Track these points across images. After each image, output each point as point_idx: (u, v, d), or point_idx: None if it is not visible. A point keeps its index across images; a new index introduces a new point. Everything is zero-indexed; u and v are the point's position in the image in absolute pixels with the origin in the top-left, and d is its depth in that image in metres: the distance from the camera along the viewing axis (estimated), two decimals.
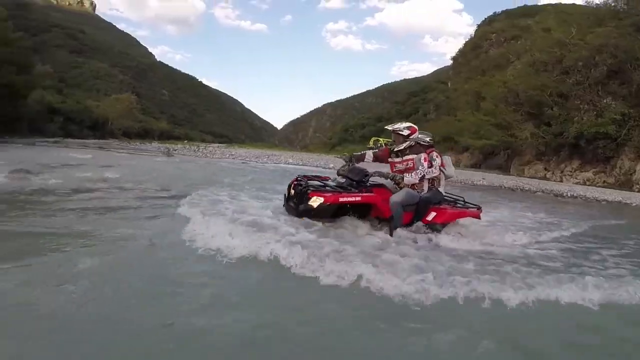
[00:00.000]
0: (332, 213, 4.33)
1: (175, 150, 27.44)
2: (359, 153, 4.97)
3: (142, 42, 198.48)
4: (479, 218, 5.16)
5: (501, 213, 8.21)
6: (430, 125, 62.30)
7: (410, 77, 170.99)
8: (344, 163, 4.81)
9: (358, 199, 4.33)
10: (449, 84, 71.66)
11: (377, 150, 5.13)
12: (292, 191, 4.63)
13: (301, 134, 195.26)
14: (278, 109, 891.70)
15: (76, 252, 3.26)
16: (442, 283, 2.96)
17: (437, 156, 4.88)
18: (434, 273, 3.11)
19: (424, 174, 4.61)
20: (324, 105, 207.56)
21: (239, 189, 7.31)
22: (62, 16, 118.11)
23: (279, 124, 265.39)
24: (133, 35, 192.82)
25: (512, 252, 4.48)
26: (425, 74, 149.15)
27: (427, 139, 5.02)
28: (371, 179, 4.66)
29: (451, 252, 4.11)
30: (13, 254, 3.14)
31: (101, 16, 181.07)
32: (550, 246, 5.14)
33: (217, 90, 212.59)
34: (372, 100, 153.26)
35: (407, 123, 4.81)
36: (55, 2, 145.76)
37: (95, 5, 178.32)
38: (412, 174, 4.55)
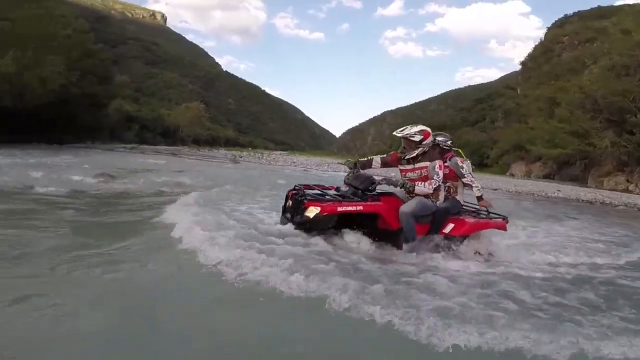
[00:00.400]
0: (331, 224, 4.08)
1: (241, 157, 28.83)
2: (365, 159, 4.58)
3: (209, 53, 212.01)
4: (505, 230, 4.71)
5: (564, 227, 7.93)
6: (499, 133, 60.15)
7: (475, 84, 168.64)
8: (349, 170, 4.42)
9: (360, 208, 4.01)
10: (518, 90, 69.72)
11: (385, 155, 4.62)
12: (290, 202, 4.38)
13: (359, 142, 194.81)
14: (337, 117, 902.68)
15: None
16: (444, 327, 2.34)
17: (462, 162, 4.60)
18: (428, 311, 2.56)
19: (439, 184, 4.20)
20: (383, 113, 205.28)
21: None
22: (136, 29, 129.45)
23: (337, 132, 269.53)
24: (201, 46, 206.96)
25: (546, 282, 3.79)
26: (491, 80, 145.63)
27: (449, 142, 4.72)
28: (379, 187, 4.31)
29: (471, 279, 3.59)
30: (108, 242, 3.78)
31: (172, 28, 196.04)
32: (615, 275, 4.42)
33: (279, 99, 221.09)
34: (434, 107, 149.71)
35: (420, 126, 4.32)
36: (130, 15, 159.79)
37: (166, 17, 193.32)
38: (426, 184, 4.16)
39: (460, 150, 4.94)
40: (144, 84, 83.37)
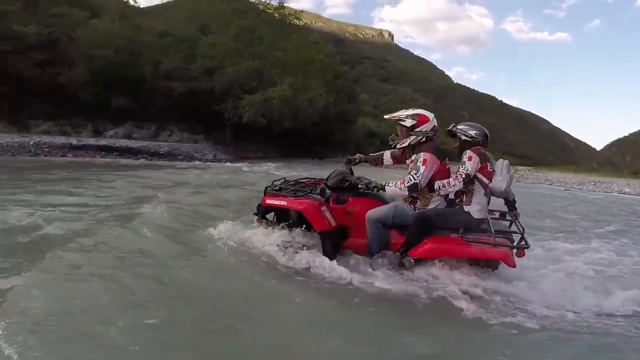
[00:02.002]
0: (265, 214, 4.09)
1: None
2: (376, 154, 4.12)
3: (437, 65, 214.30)
4: (509, 264, 3.13)
5: None
6: None
7: None
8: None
9: (283, 203, 3.76)
10: None
11: (396, 149, 3.85)
12: None
13: (630, 156, 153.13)
14: (595, 127, 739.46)
15: None
16: None
17: (468, 159, 3.37)
18: None
19: (417, 182, 3.31)
20: None
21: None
22: (369, 48, 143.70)
23: (597, 144, 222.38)
24: (428, 59, 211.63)
25: None
26: None
27: (472, 133, 3.52)
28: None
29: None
30: None
31: (399, 44, 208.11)
32: None
33: (518, 108, 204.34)
34: None
35: (416, 110, 3.62)
36: (362, 36, 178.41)
37: (393, 35, 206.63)
38: (398, 181, 3.40)
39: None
40: (380, 101, 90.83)
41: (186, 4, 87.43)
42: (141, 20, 39.64)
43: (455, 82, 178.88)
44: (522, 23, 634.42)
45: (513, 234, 3.54)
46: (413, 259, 3.40)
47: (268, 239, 3.90)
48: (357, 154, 4.16)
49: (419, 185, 3.36)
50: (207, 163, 20.76)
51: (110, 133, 25.57)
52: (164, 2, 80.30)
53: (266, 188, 4.02)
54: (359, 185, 3.65)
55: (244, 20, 31.78)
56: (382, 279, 3.35)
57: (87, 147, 19.72)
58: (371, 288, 3.23)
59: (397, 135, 3.66)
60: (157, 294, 2.91)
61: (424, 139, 3.53)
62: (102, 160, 17.96)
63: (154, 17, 48.12)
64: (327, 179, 3.93)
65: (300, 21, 36.81)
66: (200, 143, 27.38)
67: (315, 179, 4.48)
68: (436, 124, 3.61)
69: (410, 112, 3.60)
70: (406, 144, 3.59)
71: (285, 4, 34.39)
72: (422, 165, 3.36)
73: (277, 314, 2.78)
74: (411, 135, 3.54)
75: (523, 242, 3.29)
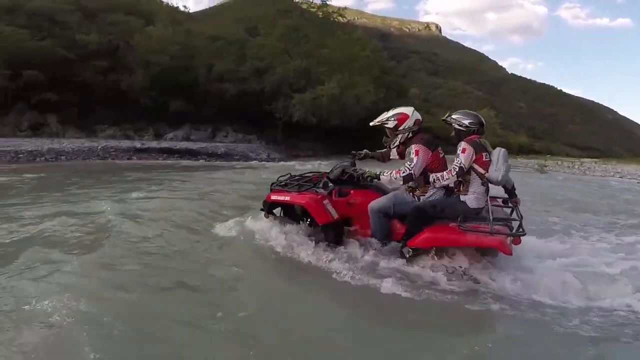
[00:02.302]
0: (273, 209, 4.21)
1: (545, 166, 25.75)
2: (383, 150, 4.21)
3: (490, 57, 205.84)
4: (504, 252, 3.10)
5: None
6: None
7: None
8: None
9: (287, 198, 3.95)
10: None
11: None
12: None
13: None
14: None
15: None
16: None
17: (462, 151, 3.43)
18: None
19: (412, 172, 3.49)
20: None
21: None
22: (415, 42, 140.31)
23: None
24: (480, 50, 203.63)
25: None
26: None
27: (466, 122, 3.57)
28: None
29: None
30: None
31: (447, 37, 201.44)
32: None
33: (581, 98, 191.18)
34: None
35: (396, 109, 3.85)
36: (407, 30, 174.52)
37: (440, 27, 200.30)
38: (393, 171, 3.57)
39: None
40: (431, 95, 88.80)
41: (233, 7, 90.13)
42: (191, 25, 41.34)
43: (509, 72, 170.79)
44: (578, 9, 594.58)
45: (513, 222, 3.53)
46: (412, 249, 3.50)
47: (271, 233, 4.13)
48: (364, 150, 4.32)
49: (413, 175, 3.54)
50: (262, 162, 21.17)
51: (170, 136, 26.85)
52: (210, 6, 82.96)
53: (272, 184, 4.24)
54: (355, 176, 3.84)
55: (289, 20, 32.12)
56: (381, 270, 3.50)
57: (150, 149, 20.72)
58: (371, 280, 3.32)
59: (388, 137, 3.90)
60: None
61: (410, 134, 3.76)
62: (165, 162, 18.74)
63: (203, 22, 50.04)
64: (329, 172, 4.13)
65: (344, 18, 36.61)
66: (253, 143, 28.04)
67: (319, 173, 4.68)
68: (419, 117, 3.81)
69: (391, 113, 3.82)
70: (396, 142, 3.82)
71: (327, 2, 34.33)
72: (415, 156, 3.54)
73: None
74: (397, 134, 3.78)
75: (521, 230, 3.25)
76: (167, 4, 53.29)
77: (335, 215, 3.84)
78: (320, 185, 4.09)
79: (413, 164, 3.51)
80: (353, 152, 4.29)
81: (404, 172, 3.51)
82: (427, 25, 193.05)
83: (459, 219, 3.37)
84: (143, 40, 28.88)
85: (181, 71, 28.76)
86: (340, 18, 35.86)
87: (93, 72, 26.94)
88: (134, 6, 37.00)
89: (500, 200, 4.08)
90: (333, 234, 3.84)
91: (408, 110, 3.82)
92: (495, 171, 3.44)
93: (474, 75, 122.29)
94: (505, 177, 3.51)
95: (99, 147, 19.70)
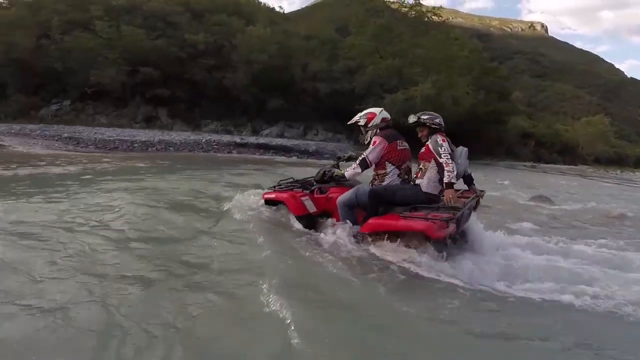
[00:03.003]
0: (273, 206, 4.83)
1: None
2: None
3: (605, 58, 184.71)
4: (432, 235, 3.40)
5: None
6: None
7: None
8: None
9: (272, 196, 4.68)
10: None
11: None
12: None
13: None
14: None
15: None
16: None
17: (443, 139, 3.96)
18: None
19: (365, 157, 4.05)
20: None
21: None
22: (518, 42, 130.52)
23: None
24: (593, 52, 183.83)
25: None
26: None
27: (437, 120, 4.15)
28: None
29: None
30: None
31: (555, 37, 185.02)
32: None
33: None
34: None
35: (367, 110, 4.46)
36: (509, 30, 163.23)
37: (547, 27, 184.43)
38: (354, 165, 4.15)
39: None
40: (536, 98, 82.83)
41: (323, 7, 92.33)
42: (287, 25, 43.30)
43: (628, 76, 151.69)
44: None
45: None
46: (363, 234, 3.93)
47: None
48: (349, 152, 4.94)
49: (368, 161, 4.05)
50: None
51: (266, 132, 28.45)
52: (303, 7, 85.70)
53: (273, 186, 5.00)
54: (326, 177, 4.53)
55: (380, 19, 32.05)
56: (338, 250, 3.86)
57: (249, 145, 22.14)
58: (328, 256, 3.69)
59: (363, 135, 4.40)
60: None
61: (378, 131, 4.25)
62: (261, 157, 19.83)
63: (297, 22, 52.13)
64: (315, 175, 4.80)
65: (440, 17, 35.46)
66: (342, 142, 28.53)
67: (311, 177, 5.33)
68: (385, 116, 4.35)
69: (363, 113, 4.40)
70: (368, 138, 4.28)
71: (421, 1, 33.53)
72: (372, 145, 4.07)
73: None
74: (367, 130, 4.32)
75: (452, 220, 3.53)
76: (265, 4, 56.51)
77: (313, 209, 4.52)
78: (304, 185, 4.83)
79: (368, 151, 4.06)
80: (338, 155, 5.35)
81: (359, 160, 4.09)
82: (532, 25, 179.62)
83: (408, 204, 3.88)
84: (245, 40, 30.92)
85: (279, 70, 30.26)
86: (435, 17, 34.89)
87: (200, 70, 29.53)
88: (236, 7, 39.82)
89: (461, 191, 4.58)
90: (306, 222, 4.50)
91: (376, 110, 4.42)
92: (447, 158, 3.87)
93: (585, 79, 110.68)
94: (463, 170, 4.21)
95: (203, 140, 21.51)
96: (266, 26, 34.61)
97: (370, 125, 4.30)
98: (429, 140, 4.06)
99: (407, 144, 4.25)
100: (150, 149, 18.80)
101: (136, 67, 27.81)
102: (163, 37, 29.93)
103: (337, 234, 4.07)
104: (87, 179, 8.00)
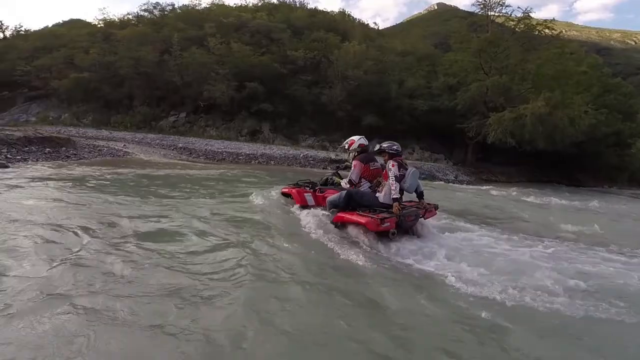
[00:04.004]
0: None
1: None
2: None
3: None
4: (370, 227, 5.03)
5: None
6: None
7: None
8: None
9: (286, 190, 6.92)
10: None
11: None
12: None
13: None
14: None
15: None
16: None
17: (392, 165, 5.42)
18: None
19: (351, 178, 5.70)
20: None
21: None
22: None
23: None
24: None
25: None
26: None
27: (394, 147, 5.64)
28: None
29: None
30: None
31: None
32: None
33: None
34: None
35: (351, 138, 6.11)
36: (634, 43, 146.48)
37: None
38: (345, 179, 5.97)
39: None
40: None
41: (420, 23, 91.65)
42: (381, 40, 43.75)
43: None
44: None
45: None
46: (336, 223, 5.52)
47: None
48: (345, 162, 6.34)
49: (352, 180, 5.68)
50: (449, 183, 20.63)
51: None
52: (397, 23, 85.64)
53: (294, 183, 7.11)
54: (327, 182, 6.69)
55: (484, 34, 30.76)
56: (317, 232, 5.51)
57: (342, 161, 22.66)
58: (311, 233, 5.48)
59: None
60: None
61: (356, 154, 5.92)
62: None
63: (392, 38, 52.37)
64: (320, 179, 6.92)
65: (553, 30, 32.98)
66: (440, 162, 27.76)
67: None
68: (362, 142, 6.02)
69: (347, 140, 6.13)
70: (350, 160, 6.00)
71: (530, 14, 31.50)
72: (354, 168, 5.72)
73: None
74: (349, 153, 6.05)
75: (386, 221, 4.98)
76: (360, 20, 57.75)
77: (311, 203, 6.50)
78: (312, 185, 6.71)
79: (351, 172, 5.71)
80: (337, 164, 6.89)
81: (347, 179, 5.77)
82: None
83: (373, 208, 5.36)
84: (341, 56, 31.85)
85: (374, 86, 30.58)
86: (547, 30, 32.58)
87: (300, 86, 30.99)
88: (332, 24, 41.32)
89: (413, 203, 6.01)
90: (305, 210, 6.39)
91: (356, 137, 6.07)
92: (404, 183, 5.47)
93: None
94: (412, 187, 5.63)
95: (301, 155, 22.46)
96: (361, 42, 35.32)
97: (350, 149, 6.01)
98: (387, 163, 5.51)
99: (378, 164, 5.86)
100: (253, 162, 20.11)
101: (243, 82, 29.99)
102: (267, 54, 32.00)
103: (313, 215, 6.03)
104: (203, 185, 9.60)
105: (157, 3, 44.85)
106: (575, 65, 30.80)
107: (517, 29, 31.59)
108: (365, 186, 5.71)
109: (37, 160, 12.50)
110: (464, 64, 30.18)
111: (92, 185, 8.36)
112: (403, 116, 30.64)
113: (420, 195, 5.88)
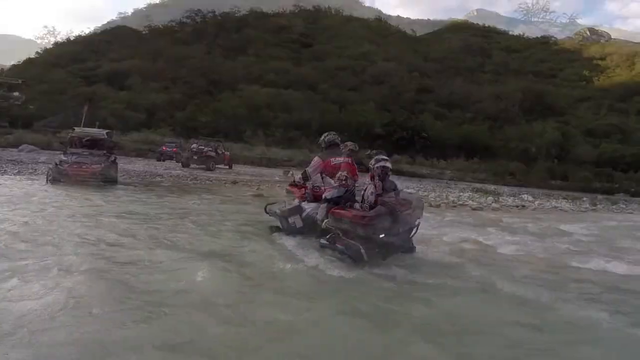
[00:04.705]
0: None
1: None
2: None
3: None
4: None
5: None
6: None
7: None
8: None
9: (289, 187, 7.20)
10: None
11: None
12: None
13: None
14: None
15: None
16: None
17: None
18: None
19: (305, 170, 6.18)
20: None
21: None
22: None
23: None
24: None
25: None
26: None
27: (331, 138, 6.42)
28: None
29: None
30: None
31: None
32: None
33: None
34: None
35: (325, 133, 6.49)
36: None
37: None
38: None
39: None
40: None
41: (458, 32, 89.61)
42: (418, 46, 43.57)
43: None
44: None
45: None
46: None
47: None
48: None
49: (307, 174, 6.09)
50: None
51: None
52: (435, 29, 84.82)
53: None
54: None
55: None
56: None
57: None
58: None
59: None
60: None
61: (323, 146, 6.40)
62: None
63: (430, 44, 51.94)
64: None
65: None
66: None
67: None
68: (330, 139, 6.36)
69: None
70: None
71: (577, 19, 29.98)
72: (311, 162, 6.16)
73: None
74: (322, 148, 6.46)
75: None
76: (397, 27, 57.52)
77: (310, 198, 6.64)
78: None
79: (308, 167, 6.11)
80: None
81: (303, 171, 6.18)
82: None
83: (346, 202, 5.64)
84: None
85: None
86: None
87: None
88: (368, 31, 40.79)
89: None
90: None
91: (326, 134, 6.47)
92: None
93: None
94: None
95: None
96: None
97: (321, 142, 6.43)
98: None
99: (340, 160, 6.13)
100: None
101: None
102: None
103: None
104: None
105: (199, 10, 46.58)
106: None
107: None
108: (330, 182, 5.93)
109: None
110: None
111: None
112: None
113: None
